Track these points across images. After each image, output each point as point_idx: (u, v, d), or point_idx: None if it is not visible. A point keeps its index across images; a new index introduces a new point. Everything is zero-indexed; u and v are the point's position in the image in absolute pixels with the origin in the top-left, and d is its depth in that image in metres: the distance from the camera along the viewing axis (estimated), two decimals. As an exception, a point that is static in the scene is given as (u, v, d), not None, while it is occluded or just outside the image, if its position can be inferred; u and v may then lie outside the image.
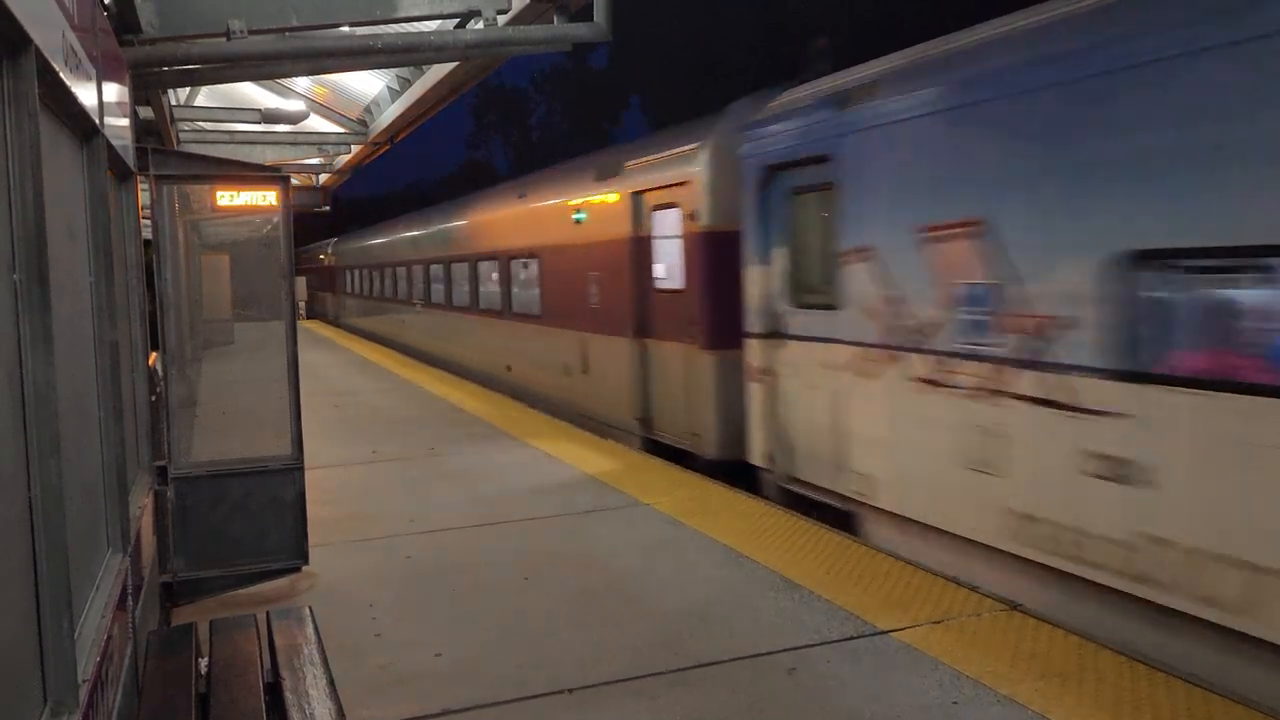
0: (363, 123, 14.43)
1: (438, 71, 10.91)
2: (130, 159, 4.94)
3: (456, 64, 9.91)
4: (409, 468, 9.26)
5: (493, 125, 77.89)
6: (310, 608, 4.29)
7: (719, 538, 6.59)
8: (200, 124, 14.47)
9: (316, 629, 4.00)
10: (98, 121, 3.53)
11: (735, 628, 5.05)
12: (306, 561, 5.77)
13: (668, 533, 6.79)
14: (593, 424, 11.40)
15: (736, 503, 7.55)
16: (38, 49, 2.34)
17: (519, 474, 8.81)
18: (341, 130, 14.89)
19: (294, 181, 21.08)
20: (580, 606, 5.46)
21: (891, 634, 4.89)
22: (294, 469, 5.67)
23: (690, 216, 9.32)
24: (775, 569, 5.91)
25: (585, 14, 7.41)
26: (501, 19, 7.65)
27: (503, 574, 6.06)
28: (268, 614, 4.14)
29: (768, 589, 5.60)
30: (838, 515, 7.15)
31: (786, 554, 6.18)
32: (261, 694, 3.49)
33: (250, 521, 5.56)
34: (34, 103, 2.34)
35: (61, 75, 2.72)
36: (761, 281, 8.20)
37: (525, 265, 14.24)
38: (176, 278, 6.47)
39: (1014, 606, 5.18)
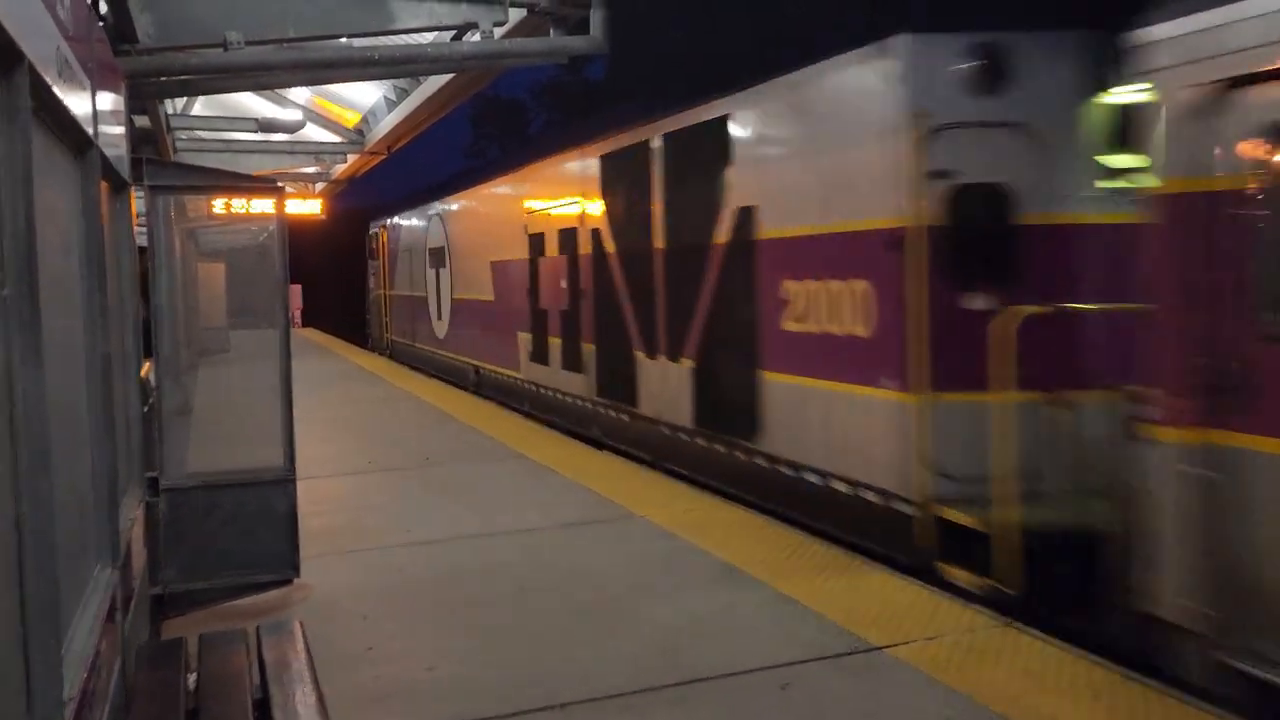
0: (359, 132, 14.44)
1: (435, 82, 10.94)
2: (125, 170, 4.94)
3: (453, 75, 9.94)
4: (407, 478, 9.24)
5: (491, 135, 77.89)
6: (300, 622, 4.27)
7: (713, 551, 6.57)
8: (198, 132, 14.47)
9: (306, 644, 3.98)
10: (92, 134, 3.52)
11: (729, 643, 5.03)
12: (298, 574, 5.74)
13: (662, 545, 6.78)
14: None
15: (731, 515, 7.55)
16: (31, 63, 2.34)
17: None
18: (338, 139, 14.90)
19: (290, 188, 20.98)
20: (574, 620, 5.44)
21: (885, 650, 4.87)
22: (286, 481, 5.65)
23: None
24: (769, 583, 5.89)
25: (582, 27, 7.43)
26: (498, 31, 7.67)
27: (497, 586, 6.04)
28: (257, 628, 4.12)
29: (762, 603, 5.58)
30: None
31: (781, 567, 6.17)
32: (250, 710, 3.47)
33: (242, 533, 5.54)
34: (27, 117, 2.33)
35: (55, 89, 2.72)
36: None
37: None
38: (171, 288, 6.46)
39: (1008, 623, 5.17)
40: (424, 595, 5.93)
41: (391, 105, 13.00)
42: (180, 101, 12.72)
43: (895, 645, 4.91)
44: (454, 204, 18.48)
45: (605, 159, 11.05)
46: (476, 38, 7.42)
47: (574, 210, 11.94)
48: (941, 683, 4.47)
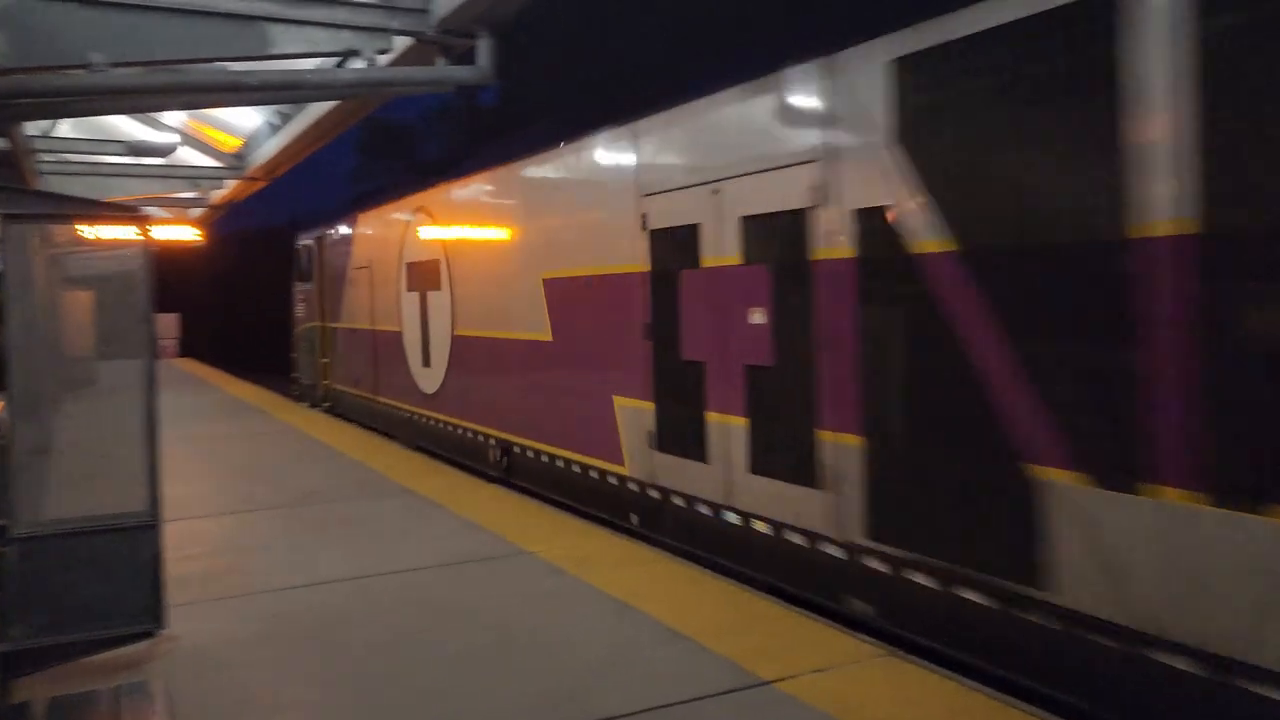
0: (239, 157, 13.99)
1: (319, 107, 10.70)
2: (-28, 197, 4.62)
3: (337, 102, 9.73)
4: (285, 517, 8.88)
5: (380, 161, 76.59)
6: (160, 682, 4.00)
7: (603, 587, 6.49)
8: (65, 155, 13.79)
9: (170, 703, 3.73)
10: (-72, 160, 3.27)
11: (622, 684, 4.95)
12: (163, 625, 5.42)
13: (552, 583, 6.66)
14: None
15: (622, 550, 7.48)
16: None
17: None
18: (217, 164, 14.40)
19: (163, 214, 20.09)
20: (464, 665, 5.28)
21: (775, 684, 4.86)
22: (150, 526, 5.34)
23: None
24: (661, 619, 5.84)
25: (470, 57, 7.37)
26: (383, 59, 7.54)
27: (381, 631, 5.82)
28: (115, 690, 3.84)
29: (654, 640, 5.52)
30: None
31: (671, 603, 6.13)
32: (103, 779, 3.22)
33: (101, 583, 5.19)
34: None
35: None
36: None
37: None
38: (29, 319, 6.07)
39: (892, 652, 5.23)
40: (302, 643, 5.67)
41: (274, 130, 12.65)
42: (46, 123, 12.10)
43: (785, 679, 4.91)
44: (458, 192, 12.17)
45: (911, 63, 5.60)
46: (360, 64, 7.28)
47: (794, 176, 6.43)
48: (831, 716, 4.49)
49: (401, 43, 7.57)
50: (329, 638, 5.74)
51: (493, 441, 11.34)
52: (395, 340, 14.57)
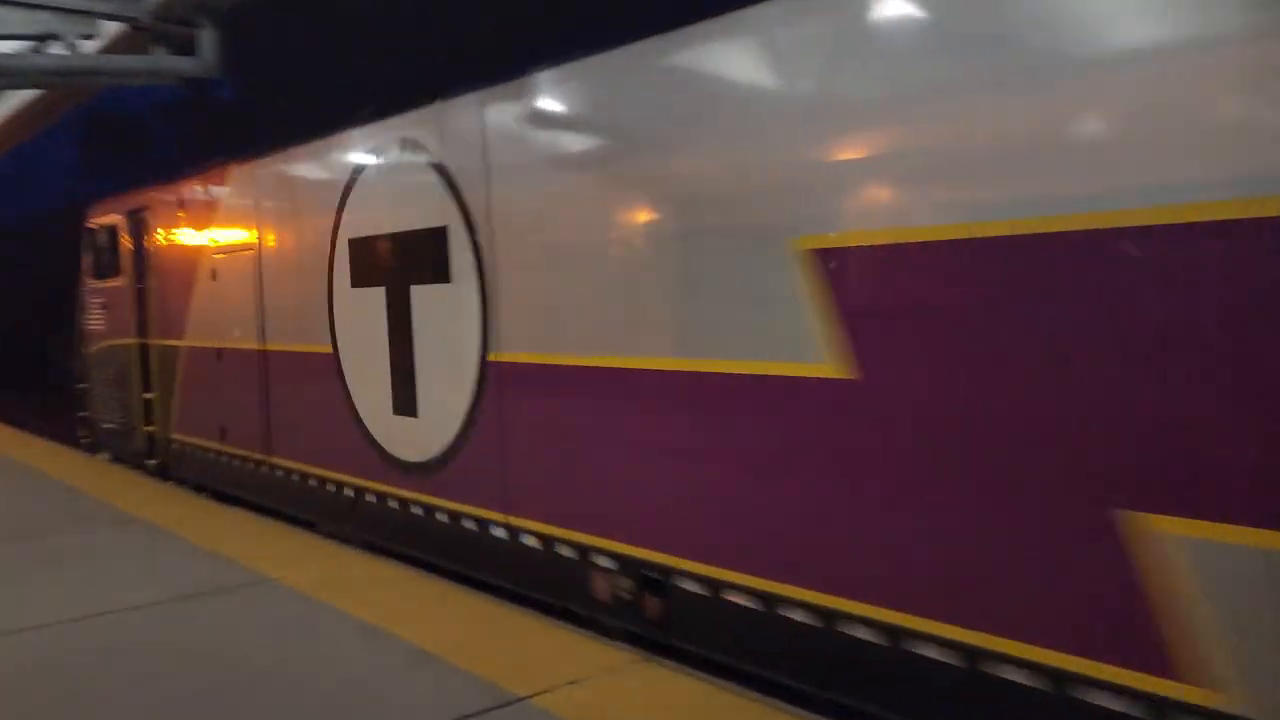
0: (-78, 149, 12.32)
1: (20, 95, 9.60)
2: None
3: (40, 91, 8.77)
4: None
5: (103, 156, 70.34)
6: None
7: (356, 611, 6.19)
8: None
9: None
10: None
11: (369, 713, 4.71)
12: None
13: (298, 611, 6.27)
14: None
15: (376, 571, 7.17)
16: None
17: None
18: (-106, 156, 12.61)
19: None
20: (196, 710, 4.84)
21: (530, 699, 4.79)
22: None
23: None
24: (413, 641, 5.63)
25: (190, 47, 6.82)
26: (90, 45, 6.85)
27: (98, 679, 5.24)
28: None
29: (404, 665, 5.30)
30: None
31: (422, 623, 5.92)
32: None
33: None
34: None
35: None
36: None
37: None
38: None
39: (647, 658, 5.30)
40: (2, 702, 5.02)
41: (-36, 119, 11.22)
42: None
43: (539, 694, 4.85)
44: (509, 101, 6.39)
45: None
46: (61, 50, 6.57)
47: None
48: (584, 728, 4.47)
49: (113, 28, 6.91)
50: (38, 692, 5.10)
51: (605, 562, 5.93)
52: (321, 369, 8.59)
